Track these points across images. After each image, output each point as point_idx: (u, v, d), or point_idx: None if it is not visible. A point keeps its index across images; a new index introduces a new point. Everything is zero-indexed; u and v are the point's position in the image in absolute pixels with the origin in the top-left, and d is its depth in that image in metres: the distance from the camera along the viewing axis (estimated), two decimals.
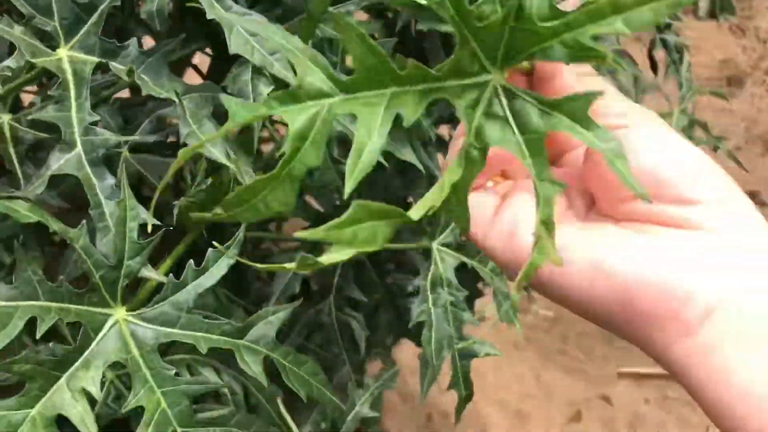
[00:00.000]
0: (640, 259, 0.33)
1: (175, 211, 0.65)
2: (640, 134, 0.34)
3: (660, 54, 1.21)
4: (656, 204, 0.33)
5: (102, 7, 0.50)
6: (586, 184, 0.36)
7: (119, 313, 0.49)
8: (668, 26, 1.18)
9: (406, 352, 1.31)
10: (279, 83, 0.57)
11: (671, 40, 1.19)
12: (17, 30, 0.47)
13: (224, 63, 0.70)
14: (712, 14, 1.35)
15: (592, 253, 0.34)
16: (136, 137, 0.50)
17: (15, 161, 0.55)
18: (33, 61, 0.46)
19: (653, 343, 0.33)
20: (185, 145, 0.72)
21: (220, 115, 0.57)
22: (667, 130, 0.35)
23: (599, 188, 0.35)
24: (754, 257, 0.33)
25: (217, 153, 0.50)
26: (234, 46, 0.51)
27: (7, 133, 0.56)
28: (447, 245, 0.75)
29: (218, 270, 0.51)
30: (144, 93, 0.49)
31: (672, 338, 0.32)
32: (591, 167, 0.35)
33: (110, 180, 0.48)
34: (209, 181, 0.64)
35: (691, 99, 1.17)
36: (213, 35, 0.71)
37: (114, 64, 0.49)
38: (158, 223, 0.50)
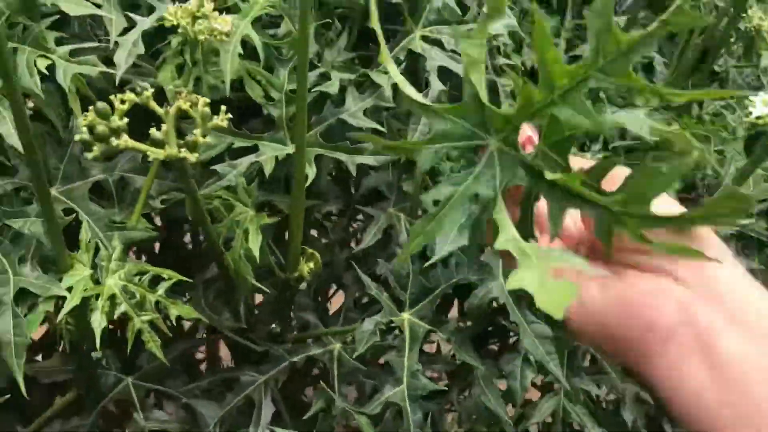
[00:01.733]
0: (614, 298, 0.40)
1: None
2: None
3: None
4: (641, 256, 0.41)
5: (437, 291, 0.71)
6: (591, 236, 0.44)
7: None
8: None
9: None
10: (542, 371, 0.74)
11: None
12: (384, 296, 0.69)
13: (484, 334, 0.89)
14: None
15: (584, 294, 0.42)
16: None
17: (336, 382, 0.75)
18: (391, 319, 0.67)
19: (629, 364, 0.41)
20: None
21: None
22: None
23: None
24: (717, 296, 0.39)
25: None
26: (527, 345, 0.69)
27: (335, 357, 0.77)
28: None
29: None
30: (457, 356, 0.69)
31: (641, 359, 0.40)
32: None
33: (420, 414, 0.66)
34: None
35: None
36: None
37: (439, 333, 0.69)
38: None
